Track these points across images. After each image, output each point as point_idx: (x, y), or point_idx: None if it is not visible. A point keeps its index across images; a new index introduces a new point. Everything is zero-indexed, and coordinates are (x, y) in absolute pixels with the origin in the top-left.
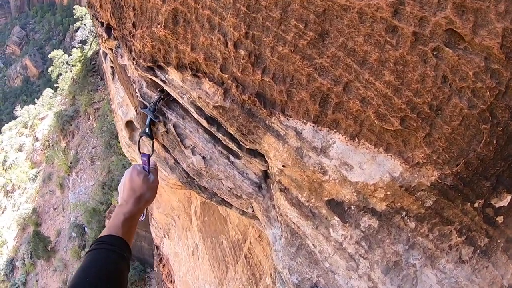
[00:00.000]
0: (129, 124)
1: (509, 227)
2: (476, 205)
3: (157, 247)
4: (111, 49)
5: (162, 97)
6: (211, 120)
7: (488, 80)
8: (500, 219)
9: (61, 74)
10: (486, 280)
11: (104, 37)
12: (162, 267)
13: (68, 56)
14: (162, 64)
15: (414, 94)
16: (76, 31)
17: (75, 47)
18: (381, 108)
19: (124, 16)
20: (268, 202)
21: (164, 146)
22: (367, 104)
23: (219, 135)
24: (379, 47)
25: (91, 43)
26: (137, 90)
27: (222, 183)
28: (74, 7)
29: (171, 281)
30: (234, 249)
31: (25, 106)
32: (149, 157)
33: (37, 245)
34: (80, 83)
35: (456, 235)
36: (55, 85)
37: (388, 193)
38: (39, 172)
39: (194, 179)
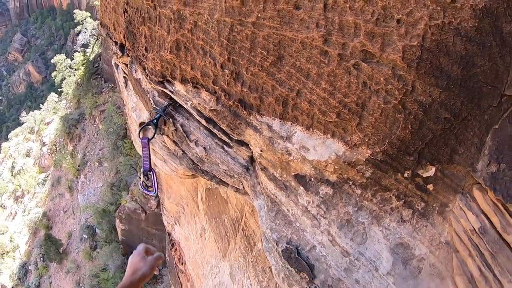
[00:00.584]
0: (141, 125)
1: (440, 194)
2: (405, 175)
3: (169, 234)
4: (125, 64)
5: (171, 102)
6: (208, 120)
7: (396, 83)
8: (430, 186)
9: (64, 78)
10: (426, 237)
11: (118, 54)
12: (174, 251)
13: (71, 60)
14: (169, 79)
15: (344, 95)
16: (77, 35)
17: (77, 51)
18: (322, 106)
19: (137, 41)
20: (254, 180)
21: (174, 141)
22: (313, 104)
23: (215, 131)
24: (317, 65)
25: (93, 46)
26: (151, 99)
27: (219, 166)
28: (74, 11)
29: (182, 263)
30: (234, 225)
31: (31, 112)
32: (149, 139)
33: (49, 248)
34: (84, 86)
35: (395, 200)
36: (59, 89)
37: (336, 167)
38: (47, 176)
39: (198, 165)
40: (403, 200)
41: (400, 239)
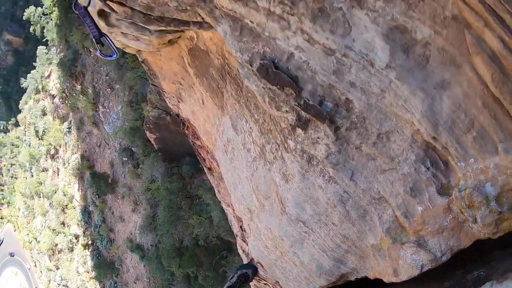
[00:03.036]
0: (101, 13)
1: None
2: None
3: (178, 116)
4: None
5: None
6: None
7: None
8: None
9: (43, 27)
10: (425, 14)
11: None
12: (187, 129)
13: (42, 8)
14: None
15: None
16: None
17: None
18: None
19: None
20: (210, 5)
21: (119, 3)
22: None
23: None
24: None
25: None
26: None
27: (169, 5)
28: None
29: (197, 138)
30: (221, 73)
31: (28, 75)
32: (85, 7)
33: (99, 184)
34: (65, 25)
35: None
36: (43, 40)
37: None
38: (70, 123)
39: (150, 14)
40: None
41: (393, 21)
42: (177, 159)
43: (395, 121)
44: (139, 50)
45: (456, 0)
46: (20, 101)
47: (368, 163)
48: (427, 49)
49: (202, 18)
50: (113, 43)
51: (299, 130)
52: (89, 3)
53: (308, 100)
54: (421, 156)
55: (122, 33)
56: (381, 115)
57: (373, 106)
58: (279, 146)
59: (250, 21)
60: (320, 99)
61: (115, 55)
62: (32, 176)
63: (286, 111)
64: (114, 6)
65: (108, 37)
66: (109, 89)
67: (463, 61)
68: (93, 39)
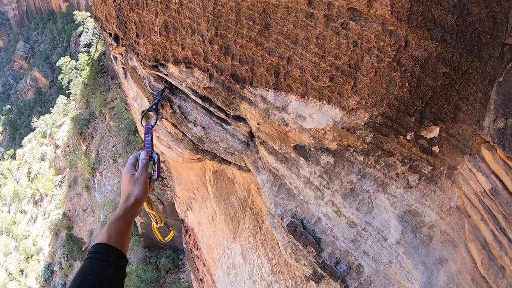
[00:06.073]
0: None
1: (447, 156)
2: (408, 137)
3: (183, 221)
4: (121, 54)
5: (167, 86)
6: (204, 98)
7: (387, 39)
8: (436, 148)
9: (71, 80)
10: (435, 202)
11: (114, 45)
12: (189, 237)
13: (76, 62)
14: (163, 62)
15: (335, 58)
16: (79, 36)
17: (81, 52)
18: (314, 71)
19: (128, 29)
20: (255, 155)
21: (173, 124)
22: (304, 70)
23: (212, 109)
24: (304, 29)
25: (96, 45)
26: (147, 84)
27: (219, 145)
28: (74, 12)
29: (197, 248)
30: (242, 204)
31: (41, 117)
32: (152, 126)
33: (71, 247)
34: (91, 85)
35: (400, 165)
36: (67, 91)
37: (335, 134)
38: (64, 178)
39: (198, 145)
40: (408, 165)
41: (408, 206)
42: (158, 249)
43: (397, 287)
44: None
45: (461, 195)
46: (25, 137)
47: None
48: (432, 230)
49: (245, 164)
50: (161, 168)
51: (312, 282)
52: (156, 123)
53: (326, 261)
54: None
55: (158, 137)
56: (386, 280)
57: (380, 272)
58: None
59: (289, 182)
60: (337, 260)
61: (155, 178)
62: (9, 212)
63: (304, 264)
64: (167, 124)
65: (159, 158)
66: (111, 160)
67: (460, 242)
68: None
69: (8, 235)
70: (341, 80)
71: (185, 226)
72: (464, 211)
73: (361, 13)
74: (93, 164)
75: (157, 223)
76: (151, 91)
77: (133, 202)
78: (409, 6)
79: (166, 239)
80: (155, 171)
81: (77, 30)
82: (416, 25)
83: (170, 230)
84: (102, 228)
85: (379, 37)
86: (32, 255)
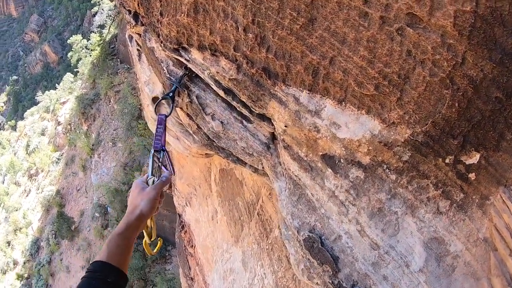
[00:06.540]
0: (155, 100)
1: (482, 185)
2: (447, 161)
3: (179, 215)
4: (139, 34)
5: (187, 72)
6: (227, 91)
7: (445, 53)
8: (472, 176)
9: (80, 59)
10: (463, 232)
11: (132, 23)
12: (184, 233)
13: (87, 41)
14: (186, 46)
15: (385, 65)
16: (93, 16)
17: (93, 32)
18: (359, 77)
19: (152, 6)
20: (275, 159)
21: (188, 115)
22: (348, 74)
23: (234, 103)
24: (355, 28)
25: (109, 27)
26: (164, 68)
27: (237, 143)
28: None
29: (191, 246)
30: (248, 208)
31: (46, 92)
32: (166, 116)
33: (61, 225)
34: (99, 67)
35: (433, 188)
36: (75, 70)
37: (370, 148)
38: (61, 155)
39: (213, 141)
40: (441, 189)
41: (435, 232)
42: None
43: None
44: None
45: (490, 227)
46: (28, 110)
47: None
48: (456, 260)
49: (262, 168)
50: (171, 162)
51: None
52: (171, 113)
53: (342, 282)
54: None
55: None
56: None
57: None
58: None
59: (311, 194)
60: (353, 283)
61: (167, 173)
62: (3, 183)
63: (317, 283)
64: (181, 114)
65: (168, 154)
66: (111, 143)
67: (483, 276)
68: (153, 148)
69: None
70: (387, 90)
71: (182, 221)
72: (491, 244)
73: (420, 20)
74: (92, 145)
75: (150, 237)
76: (168, 76)
77: (137, 216)
78: (473, 21)
79: (154, 252)
80: (163, 166)
81: (92, 10)
82: (477, 43)
83: (158, 241)
84: (93, 210)
85: (436, 50)
86: (21, 228)
